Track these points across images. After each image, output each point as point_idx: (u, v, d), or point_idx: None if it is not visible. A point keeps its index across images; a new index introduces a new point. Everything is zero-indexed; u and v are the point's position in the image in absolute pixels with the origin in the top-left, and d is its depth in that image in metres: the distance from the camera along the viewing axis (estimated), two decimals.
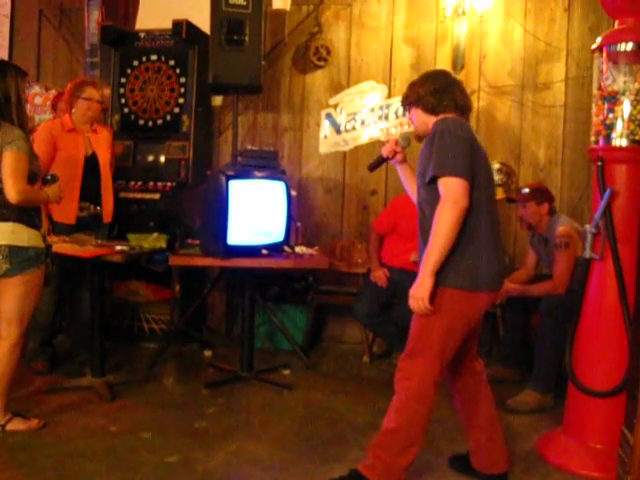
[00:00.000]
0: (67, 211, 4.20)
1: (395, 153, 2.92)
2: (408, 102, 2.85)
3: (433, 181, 2.58)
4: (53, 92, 4.94)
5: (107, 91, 5.20)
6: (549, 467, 3.14)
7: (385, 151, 2.95)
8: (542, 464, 3.17)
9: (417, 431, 2.67)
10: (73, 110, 4.30)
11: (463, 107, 2.78)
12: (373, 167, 3.06)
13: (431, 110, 2.75)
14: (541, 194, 4.17)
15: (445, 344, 2.64)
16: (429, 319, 2.63)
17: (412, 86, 2.85)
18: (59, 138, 4.23)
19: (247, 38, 4.51)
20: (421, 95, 2.76)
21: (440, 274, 2.59)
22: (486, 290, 2.65)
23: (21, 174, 3.09)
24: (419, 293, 2.57)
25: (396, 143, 2.94)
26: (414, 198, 2.88)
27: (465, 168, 2.54)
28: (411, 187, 2.93)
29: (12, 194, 3.04)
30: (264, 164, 4.37)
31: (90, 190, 4.30)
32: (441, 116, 2.72)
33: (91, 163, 4.32)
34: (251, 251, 4.03)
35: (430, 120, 2.75)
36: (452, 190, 2.52)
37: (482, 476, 2.93)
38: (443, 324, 2.62)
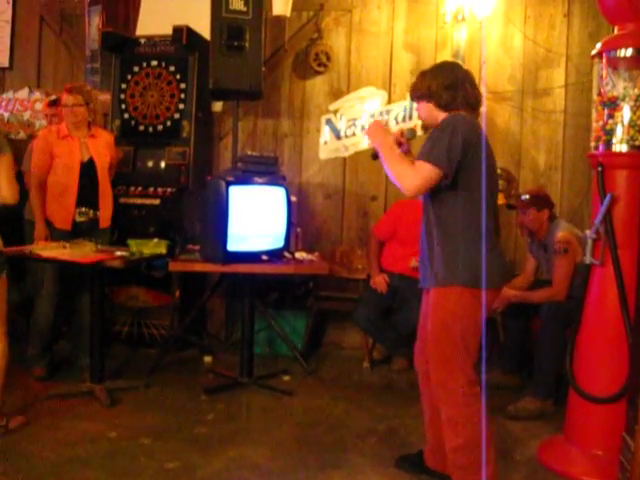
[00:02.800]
0: (64, 217, 4.24)
1: (400, 144, 2.93)
2: (418, 95, 2.81)
3: None
4: (53, 98, 4.95)
5: (107, 97, 5.21)
6: (550, 473, 3.12)
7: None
8: (543, 470, 3.16)
9: (486, 439, 2.60)
10: (65, 120, 4.33)
11: (474, 103, 2.76)
12: (376, 156, 3.07)
13: (444, 107, 2.73)
14: (541, 200, 4.16)
15: (469, 342, 2.64)
16: (447, 325, 2.64)
17: (422, 78, 2.80)
18: (55, 145, 4.26)
19: (247, 44, 4.52)
20: (433, 90, 2.73)
21: (448, 272, 2.63)
22: (491, 287, 2.63)
23: (14, 176, 3.26)
24: (375, 137, 2.80)
25: (402, 134, 2.96)
26: None
27: (446, 160, 2.55)
28: None
29: (16, 196, 3.23)
30: (264, 170, 4.36)
31: (88, 195, 4.31)
32: (452, 113, 2.70)
33: (88, 168, 4.32)
34: (251, 257, 4.02)
35: (440, 115, 2.73)
36: (420, 174, 2.57)
37: (437, 475, 2.92)
38: (462, 325, 2.62)
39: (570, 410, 3.27)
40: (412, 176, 2.58)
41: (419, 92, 2.80)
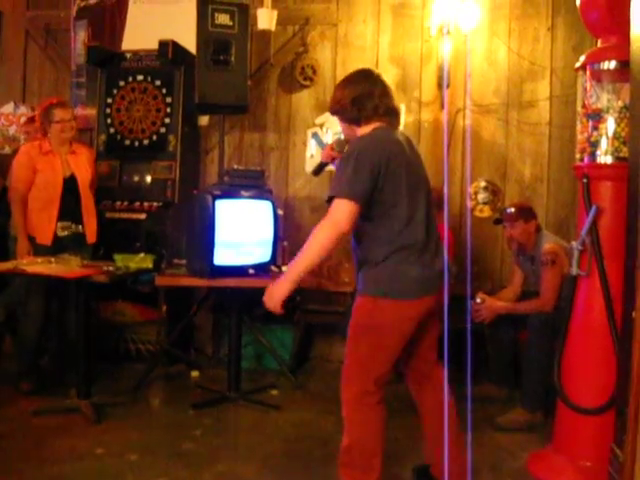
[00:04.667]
0: (45, 232, 4.23)
1: (333, 157, 2.96)
2: (332, 112, 2.79)
3: (330, 201, 2.54)
4: (31, 115, 4.93)
5: (93, 111, 5.21)
6: None
7: (323, 156, 3.04)
8: None
9: (372, 442, 2.65)
10: (49, 135, 4.30)
11: (387, 112, 2.68)
12: (316, 172, 3.22)
13: (354, 121, 2.70)
14: (527, 212, 4.18)
15: (374, 355, 2.61)
16: (356, 332, 2.63)
17: (334, 92, 2.77)
18: (37, 161, 4.25)
19: (233, 58, 4.53)
20: (341, 105, 2.69)
21: (363, 282, 2.62)
22: (411, 298, 2.58)
23: None
24: (277, 295, 2.55)
25: (331, 148, 2.98)
26: None
27: (358, 193, 2.48)
28: None
29: None
30: (251, 183, 4.35)
31: (71, 211, 4.31)
32: (365, 126, 2.67)
33: (70, 184, 4.33)
34: (238, 271, 4.01)
35: (356, 130, 2.70)
36: (338, 211, 2.48)
37: None
38: (370, 338, 2.60)
39: (558, 421, 3.27)
40: (334, 224, 2.49)
41: (332, 108, 2.78)
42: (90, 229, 4.40)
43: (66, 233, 4.29)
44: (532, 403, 3.84)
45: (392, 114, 2.72)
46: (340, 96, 2.71)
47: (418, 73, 5.10)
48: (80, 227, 4.35)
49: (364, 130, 2.70)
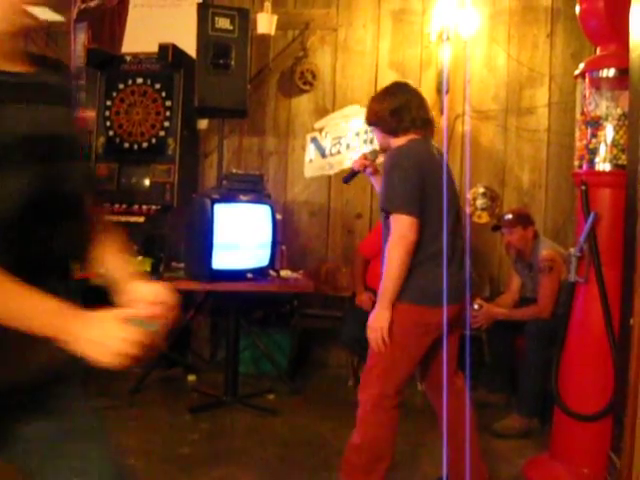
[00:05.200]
0: None
1: (365, 166, 3.02)
2: (369, 123, 2.90)
3: (385, 211, 2.68)
4: None
5: (92, 114, 5.20)
6: None
7: (356, 165, 3.09)
8: None
9: (382, 445, 2.69)
10: None
11: (423, 124, 2.78)
12: (347, 180, 3.25)
13: (392, 132, 2.78)
14: (525, 218, 4.19)
15: (396, 359, 2.66)
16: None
17: (371, 102, 2.87)
18: None
19: (233, 62, 4.53)
20: (380, 116, 2.79)
21: None
22: (434, 305, 2.62)
23: None
24: (377, 324, 2.63)
25: (365, 157, 3.03)
26: None
27: (414, 205, 2.60)
28: None
29: None
30: (249, 188, 4.36)
31: None
32: (401, 137, 2.75)
33: None
34: (236, 275, 4.01)
35: (392, 140, 2.79)
36: (401, 226, 2.59)
37: None
38: (394, 339, 2.64)
39: (556, 428, 3.27)
40: (401, 239, 2.59)
41: (369, 119, 2.88)
42: None
43: None
44: (529, 409, 3.84)
45: (428, 126, 2.82)
46: (378, 107, 2.81)
47: (417, 79, 5.10)
48: None
49: (400, 141, 2.77)
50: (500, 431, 3.79)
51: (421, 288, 2.64)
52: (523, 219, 4.17)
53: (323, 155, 5.32)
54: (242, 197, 4.14)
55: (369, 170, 3.04)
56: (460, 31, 4.81)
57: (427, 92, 5.06)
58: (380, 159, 3.04)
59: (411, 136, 2.77)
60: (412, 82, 3.01)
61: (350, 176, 3.20)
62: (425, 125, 2.80)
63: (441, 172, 2.73)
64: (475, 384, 4.05)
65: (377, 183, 3.04)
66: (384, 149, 2.91)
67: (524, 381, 3.88)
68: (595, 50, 3.25)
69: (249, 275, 4.09)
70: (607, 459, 2.71)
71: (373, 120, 2.85)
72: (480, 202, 5.05)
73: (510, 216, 4.20)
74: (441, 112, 5.06)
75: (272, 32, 4.96)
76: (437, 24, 4.84)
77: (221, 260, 3.86)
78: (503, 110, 5.05)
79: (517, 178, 5.06)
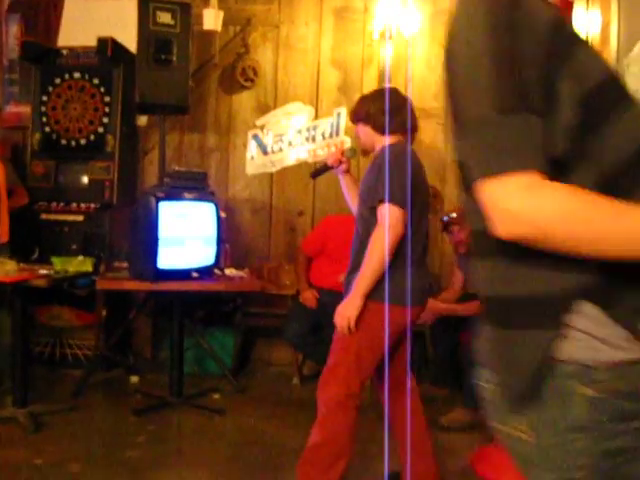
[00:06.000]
0: None
1: (340, 163, 2.99)
2: (357, 118, 2.88)
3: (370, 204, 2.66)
4: None
5: (27, 109, 5.04)
6: None
7: (330, 160, 3.04)
8: (477, 479, 3.22)
9: (342, 443, 2.69)
10: None
11: (412, 129, 2.81)
12: (316, 175, 3.19)
13: (381, 130, 2.78)
14: None
15: (362, 357, 2.67)
16: (348, 337, 2.66)
17: (362, 101, 2.89)
18: None
19: (175, 58, 4.45)
20: (371, 113, 2.79)
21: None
22: (403, 304, 2.64)
23: None
24: (347, 312, 2.63)
25: (342, 153, 3.00)
26: (354, 208, 2.95)
27: (404, 199, 2.60)
28: (352, 197, 2.99)
29: None
30: (193, 185, 4.29)
31: None
32: (390, 137, 2.76)
33: None
34: (182, 274, 3.95)
35: (377, 139, 2.80)
36: (391, 217, 2.59)
37: None
38: (361, 337, 2.65)
39: None
40: (389, 231, 2.59)
41: (357, 115, 2.87)
42: (3, 229, 4.27)
43: None
44: (474, 402, 3.89)
45: (414, 132, 2.85)
46: (369, 105, 2.82)
47: (359, 76, 5.13)
48: None
49: (386, 141, 2.77)
50: (446, 424, 3.85)
51: (395, 287, 2.62)
52: None
53: (265, 152, 5.26)
54: (187, 195, 4.08)
55: (342, 167, 2.99)
56: (402, 30, 4.85)
57: (369, 89, 5.09)
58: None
59: (398, 137, 2.79)
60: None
61: (321, 171, 3.13)
62: (413, 130, 2.83)
63: (420, 178, 2.77)
64: (419, 378, 4.10)
65: (346, 182, 3.02)
66: (366, 148, 2.91)
67: (469, 375, 3.95)
68: None
69: (194, 274, 4.03)
70: None
71: (363, 117, 2.83)
72: None
73: (458, 214, 4.25)
74: None
75: (219, 28, 4.90)
76: (379, 22, 4.87)
77: (166, 259, 3.79)
78: (444, 108, 5.09)
79: (457, 176, 5.11)
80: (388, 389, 2.95)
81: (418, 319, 2.89)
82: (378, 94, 2.89)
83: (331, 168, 3.06)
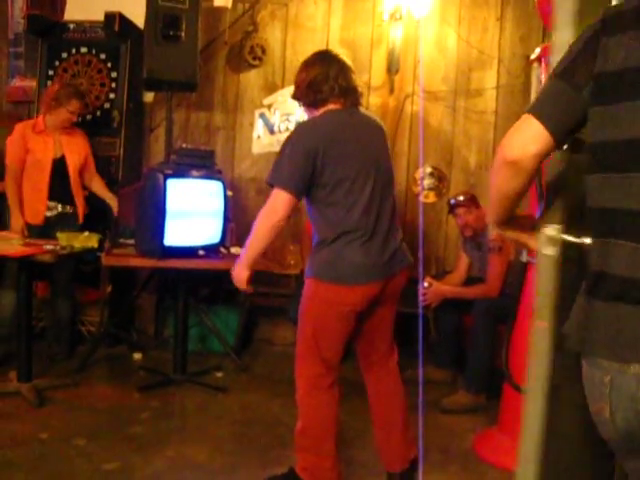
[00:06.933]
0: (35, 212, 4.24)
1: None
2: (293, 97, 2.79)
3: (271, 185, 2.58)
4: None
5: (32, 83, 5.01)
6: (485, 464, 3.20)
7: None
8: (479, 461, 3.24)
9: (325, 426, 2.68)
10: (49, 115, 4.25)
11: (343, 93, 2.65)
12: None
13: (312, 106, 2.69)
14: (476, 199, 4.26)
15: (318, 337, 2.63)
16: (302, 313, 2.66)
17: (295, 78, 2.75)
18: (29, 140, 4.22)
19: (183, 34, 4.41)
20: (300, 90, 2.69)
21: (309, 265, 2.66)
22: (350, 284, 2.58)
23: None
24: (238, 279, 2.77)
25: None
26: None
27: (294, 184, 2.52)
28: None
29: None
30: (200, 163, 4.27)
31: (59, 192, 4.30)
32: (320, 109, 2.66)
33: (59, 166, 4.29)
34: (188, 252, 3.95)
35: (314, 114, 2.69)
36: (276, 201, 2.54)
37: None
38: (312, 320, 2.64)
39: (505, 403, 3.35)
40: (272, 213, 2.55)
41: (294, 93, 2.78)
42: (79, 210, 4.40)
43: (52, 213, 4.31)
44: (476, 385, 3.93)
45: (348, 94, 2.67)
46: (299, 81, 2.70)
47: (368, 57, 5.10)
48: (68, 207, 4.36)
49: (319, 113, 2.68)
50: (448, 407, 3.87)
51: (333, 266, 2.57)
52: (475, 200, 4.24)
53: (271, 132, 5.26)
54: (194, 172, 4.06)
55: None
56: (412, 11, 4.81)
57: (377, 71, 5.09)
58: None
59: (330, 107, 2.65)
60: (340, 52, 2.83)
61: None
62: (345, 93, 2.65)
63: (364, 142, 2.64)
64: (423, 361, 4.11)
65: None
66: None
67: (472, 358, 3.96)
68: (543, 35, 3.29)
69: (200, 252, 4.03)
70: None
71: (296, 94, 2.74)
72: (427, 182, 5.11)
73: (462, 198, 4.25)
74: (391, 91, 5.07)
75: (229, 5, 4.86)
76: (390, 3, 4.83)
77: (173, 236, 3.79)
78: (452, 91, 5.08)
79: (464, 159, 5.12)
80: (363, 368, 2.92)
81: (391, 293, 2.73)
82: (304, 65, 2.72)
83: None
